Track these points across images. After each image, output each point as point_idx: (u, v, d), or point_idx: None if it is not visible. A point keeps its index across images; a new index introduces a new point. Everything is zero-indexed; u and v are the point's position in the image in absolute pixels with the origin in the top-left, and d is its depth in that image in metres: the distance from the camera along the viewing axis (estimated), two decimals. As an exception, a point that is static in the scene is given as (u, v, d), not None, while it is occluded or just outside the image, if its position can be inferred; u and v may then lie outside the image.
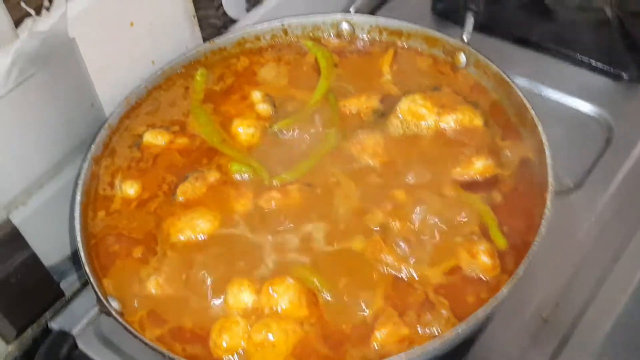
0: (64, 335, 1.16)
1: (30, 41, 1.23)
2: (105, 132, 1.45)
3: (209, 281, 1.26)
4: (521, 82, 1.53)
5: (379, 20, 1.64)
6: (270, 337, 1.17)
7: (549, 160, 1.30)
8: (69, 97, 1.39)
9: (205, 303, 1.24)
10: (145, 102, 1.54)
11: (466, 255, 1.25)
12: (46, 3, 1.24)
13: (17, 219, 1.36)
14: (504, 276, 1.22)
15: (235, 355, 1.18)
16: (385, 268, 1.26)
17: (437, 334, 1.16)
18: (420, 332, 1.18)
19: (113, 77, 1.48)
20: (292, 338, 1.19)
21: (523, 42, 1.80)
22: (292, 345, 1.18)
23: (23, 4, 1.20)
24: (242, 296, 1.22)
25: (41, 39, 1.25)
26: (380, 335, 1.18)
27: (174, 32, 1.58)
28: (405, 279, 1.24)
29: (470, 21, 1.55)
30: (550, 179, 1.27)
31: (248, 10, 1.71)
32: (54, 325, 1.44)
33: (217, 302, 1.24)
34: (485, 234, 1.28)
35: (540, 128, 1.35)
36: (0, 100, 1.23)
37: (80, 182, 1.36)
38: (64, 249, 1.50)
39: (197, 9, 1.58)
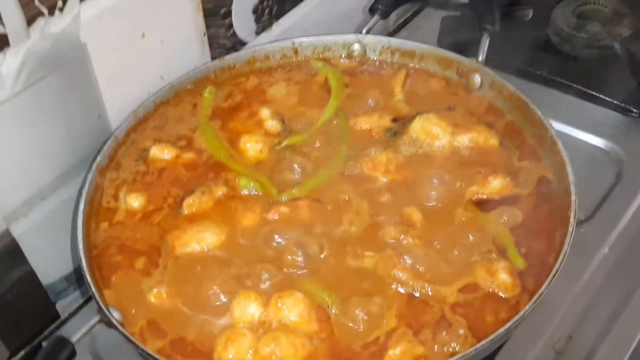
0: (63, 342, 1.09)
1: (42, 42, 1.19)
2: (111, 144, 1.40)
3: (214, 294, 1.20)
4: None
5: (392, 41, 1.60)
6: (279, 351, 1.11)
7: (571, 177, 1.26)
8: (76, 106, 1.34)
9: (210, 316, 1.18)
10: (153, 116, 1.49)
11: (484, 273, 1.20)
12: (60, 3, 1.20)
13: (17, 232, 1.30)
14: (524, 295, 1.17)
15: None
16: (398, 285, 1.20)
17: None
18: (436, 351, 1.12)
19: (121, 89, 1.43)
20: (301, 353, 1.12)
21: (531, 76, 1.76)
22: (301, 359, 1.12)
23: (37, 2, 1.16)
24: (249, 309, 1.17)
25: (53, 40, 1.21)
26: (394, 353, 1.12)
27: (184, 49, 1.54)
28: (420, 297, 1.19)
29: (485, 41, 1.51)
30: (574, 197, 1.23)
31: (258, 33, 1.68)
32: None
33: (222, 315, 1.18)
34: (503, 253, 1.23)
35: (560, 146, 1.31)
36: (6, 103, 1.19)
37: (85, 192, 1.30)
38: (62, 267, 1.44)
39: (207, 27, 1.54)
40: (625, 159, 1.61)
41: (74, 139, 1.37)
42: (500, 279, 1.19)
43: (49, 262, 1.40)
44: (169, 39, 1.48)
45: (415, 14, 2.07)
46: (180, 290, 1.21)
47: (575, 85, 1.75)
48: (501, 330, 1.08)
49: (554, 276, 1.13)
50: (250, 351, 1.12)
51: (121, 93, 1.44)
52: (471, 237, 1.25)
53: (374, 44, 1.61)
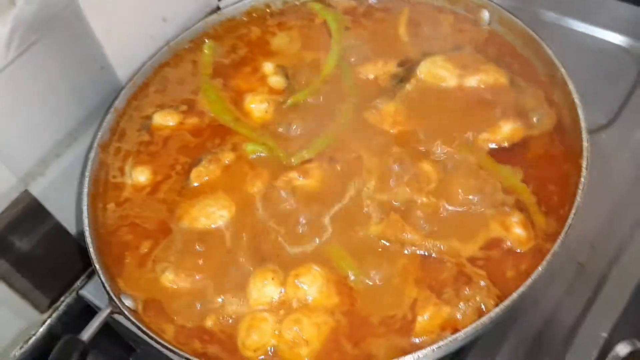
0: (76, 342, 1.03)
1: (29, 6, 1.11)
2: (111, 116, 1.30)
3: (228, 274, 1.12)
4: (548, 15, 1.39)
5: (396, -25, 1.43)
6: (302, 333, 1.03)
7: (582, 123, 1.14)
8: (76, 61, 1.26)
9: (227, 298, 1.10)
10: (153, 81, 1.38)
11: (499, 227, 1.10)
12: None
13: (36, 190, 1.25)
14: (543, 246, 1.09)
15: (264, 356, 1.05)
16: (410, 248, 1.11)
17: (482, 307, 1.03)
18: (462, 307, 1.03)
19: (122, 37, 1.33)
20: (324, 330, 1.05)
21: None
22: (325, 337, 1.04)
23: (16, -33, 1.06)
24: (267, 290, 1.08)
25: (39, 2, 1.12)
26: (422, 320, 1.03)
27: (187, -12, 1.41)
28: (434, 256, 1.10)
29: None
30: (586, 143, 1.11)
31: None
32: (85, 293, 1.34)
33: (240, 297, 1.10)
34: (517, 205, 1.13)
35: (571, 87, 1.18)
36: (3, 72, 1.12)
37: (87, 173, 1.23)
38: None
39: (214, -35, 1.41)
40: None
41: (79, 94, 1.29)
42: (515, 233, 1.09)
43: (74, 212, 1.34)
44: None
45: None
46: (192, 271, 1.13)
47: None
48: (529, 281, 1.00)
49: (564, 235, 1.03)
50: (274, 335, 1.05)
51: (123, 41, 1.34)
52: (485, 190, 1.14)
53: (378, -21, 1.44)
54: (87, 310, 1.37)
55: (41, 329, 1.35)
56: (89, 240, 1.14)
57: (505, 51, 1.33)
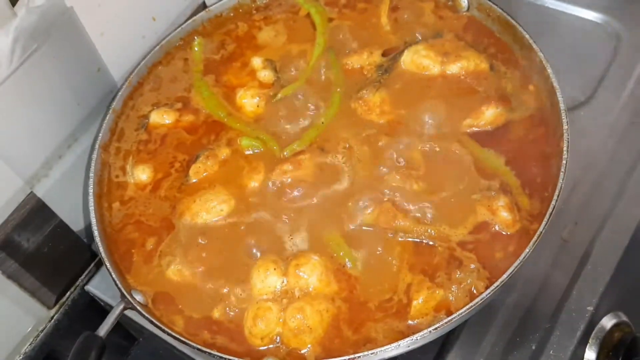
0: (93, 338, 1.09)
1: (29, 17, 1.14)
2: (110, 117, 1.34)
3: (232, 265, 1.18)
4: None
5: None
6: (306, 321, 1.09)
7: (562, 106, 1.18)
8: (74, 65, 1.30)
9: (231, 288, 1.16)
10: (147, 80, 1.42)
11: (486, 211, 1.16)
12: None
13: (41, 192, 1.29)
14: (529, 227, 1.15)
15: (271, 344, 1.11)
16: (402, 235, 1.17)
17: (472, 289, 1.10)
18: (454, 290, 1.10)
19: (116, 39, 1.37)
20: (327, 317, 1.10)
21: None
22: (327, 324, 1.10)
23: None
24: (270, 280, 1.14)
25: (39, 12, 1.16)
26: (417, 303, 1.09)
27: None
28: (426, 242, 1.16)
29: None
30: (565, 126, 1.16)
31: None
32: (91, 288, 1.39)
33: (244, 287, 1.16)
34: (502, 188, 1.18)
35: (549, 70, 1.22)
36: (7, 81, 1.15)
37: (92, 174, 1.27)
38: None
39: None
40: (623, 32, 1.52)
41: (78, 97, 1.33)
42: (501, 216, 1.14)
43: (76, 211, 1.39)
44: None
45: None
46: (196, 264, 1.18)
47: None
48: (518, 262, 1.06)
49: (549, 217, 1.09)
50: (279, 323, 1.11)
51: (116, 43, 1.38)
52: (471, 175, 1.20)
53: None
54: (92, 305, 1.43)
55: (49, 325, 1.40)
56: (98, 240, 1.19)
57: (484, 36, 1.38)
